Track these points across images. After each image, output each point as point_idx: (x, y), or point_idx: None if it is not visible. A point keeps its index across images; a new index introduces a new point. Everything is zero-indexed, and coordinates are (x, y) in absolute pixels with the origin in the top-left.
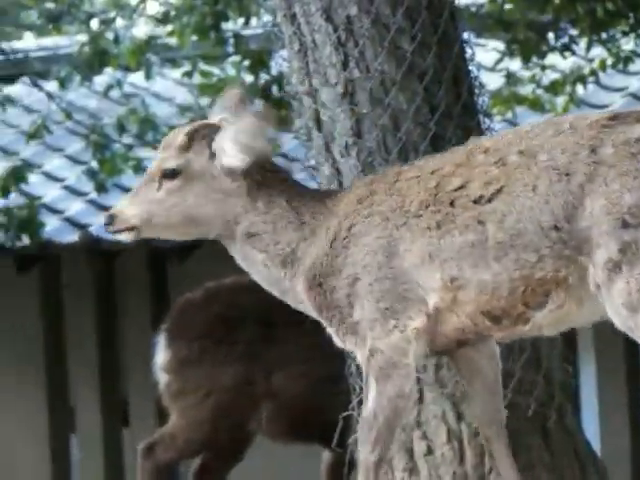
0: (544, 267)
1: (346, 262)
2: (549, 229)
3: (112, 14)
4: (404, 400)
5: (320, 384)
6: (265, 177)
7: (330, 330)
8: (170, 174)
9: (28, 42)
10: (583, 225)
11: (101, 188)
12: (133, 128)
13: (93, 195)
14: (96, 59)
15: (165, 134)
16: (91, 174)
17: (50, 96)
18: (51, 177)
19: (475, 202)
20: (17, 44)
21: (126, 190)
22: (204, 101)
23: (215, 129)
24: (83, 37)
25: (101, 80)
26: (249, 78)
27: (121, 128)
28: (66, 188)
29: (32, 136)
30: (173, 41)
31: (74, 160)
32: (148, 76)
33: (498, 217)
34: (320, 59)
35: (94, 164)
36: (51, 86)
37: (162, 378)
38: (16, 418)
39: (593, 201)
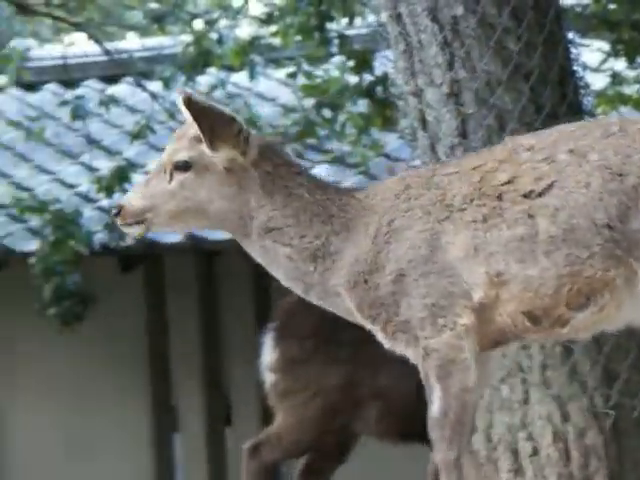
0: (594, 265)
1: (389, 257)
2: (602, 227)
3: (216, 14)
4: (470, 393)
5: None
6: (278, 170)
7: (372, 328)
8: (182, 166)
9: (132, 42)
10: (636, 227)
11: None
12: None
13: None
14: (200, 59)
15: (269, 135)
16: None
17: (154, 96)
18: None
19: (525, 196)
20: (121, 44)
21: None
22: (308, 102)
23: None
24: (187, 37)
25: (205, 80)
26: (353, 79)
27: None
28: None
29: (136, 136)
30: (277, 41)
31: None
32: (252, 76)
33: (550, 211)
34: (426, 59)
35: None
36: (155, 86)
37: (269, 378)
38: (119, 418)
39: None
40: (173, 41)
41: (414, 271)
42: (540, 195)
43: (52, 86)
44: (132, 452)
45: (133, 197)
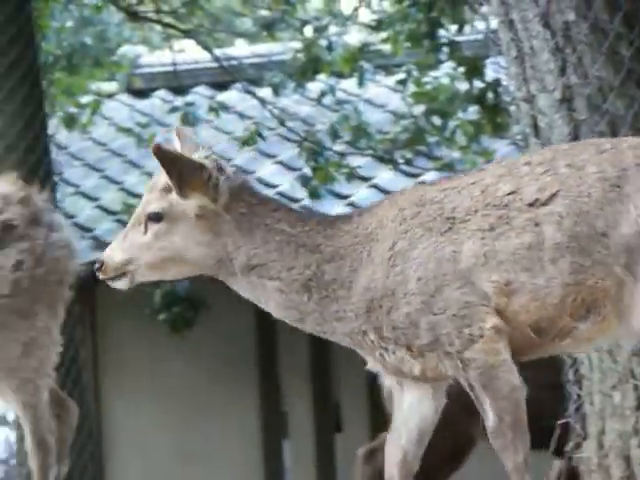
0: (595, 273)
1: (397, 280)
2: (601, 235)
3: (325, 21)
4: (518, 391)
5: (541, 390)
6: (254, 209)
7: (395, 349)
8: (154, 217)
9: (241, 49)
10: (625, 231)
11: (314, 195)
12: (346, 135)
13: (307, 202)
14: (309, 66)
15: (378, 141)
16: (304, 181)
17: (263, 102)
18: (265, 183)
19: (531, 205)
20: (230, 51)
21: (339, 197)
22: (418, 109)
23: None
24: (297, 44)
25: (314, 87)
26: (463, 85)
27: (334, 135)
28: (280, 194)
29: (246, 142)
30: (386, 48)
31: (287, 167)
32: (361, 83)
33: (555, 219)
34: (538, 65)
35: (307, 171)
36: (264, 92)
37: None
38: (229, 423)
39: (638, 208)
40: (283, 48)
41: (426, 288)
42: (545, 204)
43: (162, 93)
44: (242, 457)
45: (113, 251)
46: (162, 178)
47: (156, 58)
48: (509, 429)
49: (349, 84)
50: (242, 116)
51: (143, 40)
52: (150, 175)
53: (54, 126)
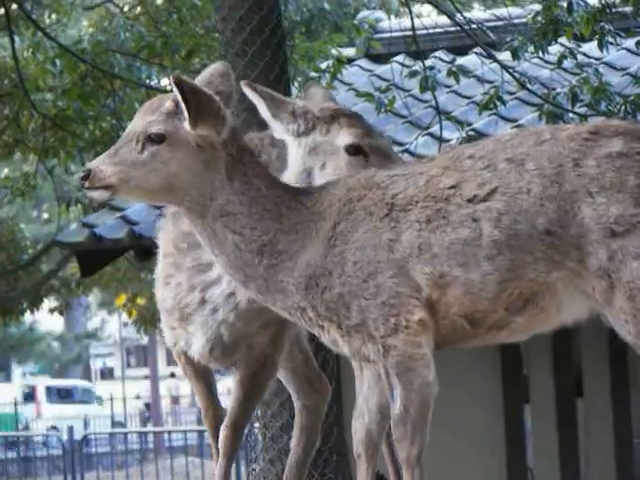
0: (537, 268)
1: (334, 262)
2: (543, 232)
3: None
4: (430, 388)
5: None
6: (242, 155)
7: (328, 327)
8: (156, 138)
9: (480, 13)
10: (573, 232)
11: None
12: (586, 98)
13: None
14: (549, 28)
15: (619, 104)
16: None
17: (503, 66)
18: None
19: (469, 201)
20: (469, 15)
21: None
22: None
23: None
24: (536, 6)
25: (554, 50)
26: None
27: (574, 98)
28: None
29: (485, 106)
30: (628, 9)
31: None
32: (601, 45)
33: (494, 215)
34: None
35: None
36: (504, 56)
37: None
38: (472, 388)
39: (582, 210)
40: (522, 10)
41: (360, 272)
42: (484, 200)
43: (401, 57)
44: (485, 423)
45: (101, 162)
46: (168, 103)
47: (395, 23)
48: (411, 422)
49: (589, 47)
50: (481, 80)
51: (381, 5)
52: (390, 140)
53: (294, 91)
